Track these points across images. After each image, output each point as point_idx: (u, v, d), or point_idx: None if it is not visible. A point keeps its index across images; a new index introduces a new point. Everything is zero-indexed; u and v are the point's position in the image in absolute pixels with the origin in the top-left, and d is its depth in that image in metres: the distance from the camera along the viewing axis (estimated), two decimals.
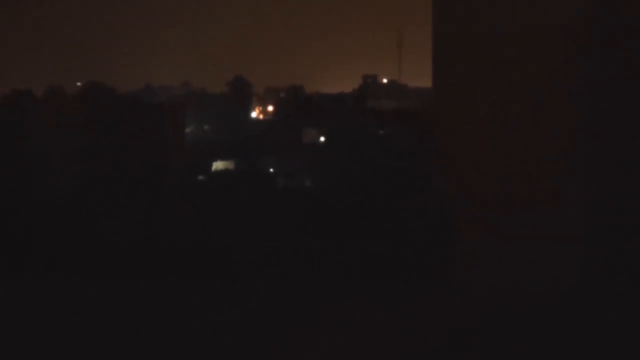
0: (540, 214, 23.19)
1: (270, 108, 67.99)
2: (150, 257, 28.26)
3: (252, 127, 61.05)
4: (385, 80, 76.86)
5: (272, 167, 48.92)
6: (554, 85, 22.73)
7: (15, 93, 51.43)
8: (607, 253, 22.42)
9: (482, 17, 23.76)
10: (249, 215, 31.25)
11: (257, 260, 26.82)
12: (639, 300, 16.04)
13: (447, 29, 24.66)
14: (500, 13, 23.30)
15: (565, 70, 22.84)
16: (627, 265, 21.81)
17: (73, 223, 33.71)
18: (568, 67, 22.75)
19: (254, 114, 67.45)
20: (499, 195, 23.74)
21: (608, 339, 12.38)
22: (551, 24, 22.76)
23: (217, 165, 49.67)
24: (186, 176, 46.39)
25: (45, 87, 52.44)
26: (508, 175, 23.97)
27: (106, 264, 28.01)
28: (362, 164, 43.26)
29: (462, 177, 24.83)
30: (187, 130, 55.96)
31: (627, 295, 19.08)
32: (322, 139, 50.62)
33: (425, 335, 12.13)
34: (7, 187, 39.83)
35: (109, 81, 53.00)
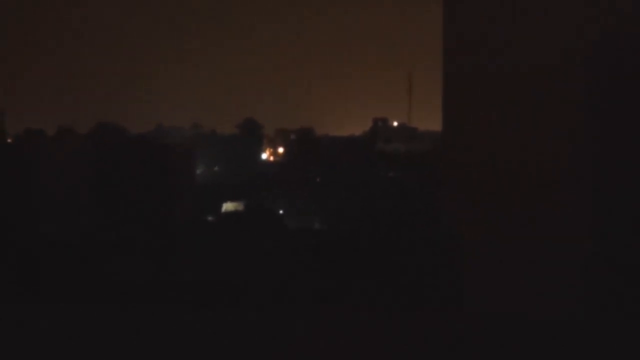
0: (549, 254, 23.16)
1: (280, 150, 68.15)
2: (158, 294, 28.29)
3: (262, 169, 61.19)
4: (395, 123, 77.05)
5: (282, 208, 48.97)
6: (564, 126, 22.80)
7: (27, 133, 51.72)
8: (612, 281, 22.29)
9: (491, 61, 23.88)
10: (258, 256, 31.25)
11: (263, 297, 26.83)
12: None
13: (457, 73, 24.80)
14: (510, 56, 23.42)
15: (577, 100, 22.89)
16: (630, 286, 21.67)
17: (83, 261, 33.75)
18: (580, 97, 22.80)
19: (264, 156, 67.61)
20: (508, 236, 23.74)
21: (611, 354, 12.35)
22: (558, 64, 22.83)
23: (227, 206, 49.71)
24: (196, 217, 46.41)
25: (57, 127, 52.71)
26: (517, 215, 23.97)
27: (114, 300, 28.02)
28: (372, 205, 43.27)
29: (471, 217, 24.81)
30: (198, 171, 56.10)
31: (630, 316, 18.91)
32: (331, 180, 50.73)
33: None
34: (18, 225, 39.92)
35: (120, 121, 53.24)
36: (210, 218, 47.48)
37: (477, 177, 24.38)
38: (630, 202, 22.27)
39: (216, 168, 60.68)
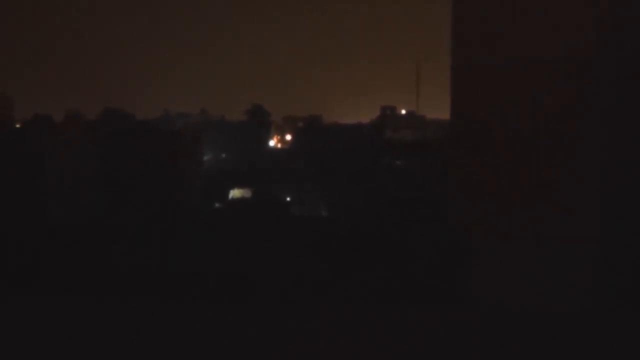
0: (556, 241, 23.11)
1: (288, 137, 68.12)
2: (164, 281, 28.32)
3: (269, 156, 61.17)
4: (403, 112, 77.07)
5: (289, 196, 48.98)
6: (570, 114, 22.74)
7: (35, 118, 51.81)
8: (620, 276, 22.23)
9: (498, 50, 23.83)
10: (264, 243, 31.27)
11: (270, 286, 26.84)
12: None
13: (464, 62, 24.76)
14: (517, 45, 23.37)
15: (579, 98, 22.83)
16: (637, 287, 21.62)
17: (89, 246, 33.80)
18: (582, 96, 22.75)
19: (271, 143, 67.59)
20: (516, 223, 23.71)
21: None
22: (565, 54, 22.75)
23: (234, 193, 49.72)
24: (203, 203, 46.44)
25: (65, 112, 52.83)
26: (525, 203, 23.93)
27: (121, 287, 28.05)
28: (379, 193, 43.26)
29: (479, 206, 24.78)
30: (205, 157, 56.10)
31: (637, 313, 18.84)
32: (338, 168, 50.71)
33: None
34: (25, 210, 40.02)
35: (128, 108, 53.31)
36: (217, 205, 47.51)
37: (482, 171, 24.36)
38: (637, 200, 22.22)
39: (224, 155, 60.67)
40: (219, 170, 54.36)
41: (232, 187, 50.42)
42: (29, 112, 54.53)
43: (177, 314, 12.52)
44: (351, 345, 11.32)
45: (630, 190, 22.38)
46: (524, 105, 23.55)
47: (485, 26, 23.62)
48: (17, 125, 56.59)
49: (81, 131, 47.59)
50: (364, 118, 68.11)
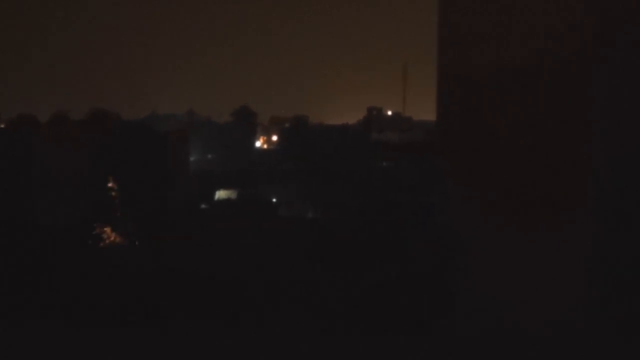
0: (544, 245, 23.07)
1: (274, 138, 68.05)
2: (151, 285, 28.23)
3: (256, 157, 61.12)
4: (390, 113, 77.11)
5: (275, 197, 48.92)
6: (556, 115, 22.73)
7: (20, 118, 51.63)
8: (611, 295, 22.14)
9: (485, 51, 23.82)
10: (250, 244, 31.21)
11: (256, 292, 26.80)
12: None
13: (451, 63, 24.73)
14: (504, 46, 23.36)
15: (566, 100, 22.82)
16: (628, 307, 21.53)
17: (76, 247, 33.68)
18: (569, 97, 22.74)
19: (258, 144, 67.54)
20: (504, 225, 23.66)
21: None
22: (551, 56, 22.72)
23: (220, 194, 49.63)
24: (189, 204, 46.33)
25: (51, 113, 52.68)
26: (512, 205, 23.89)
27: (108, 293, 27.94)
28: (365, 195, 43.25)
29: (466, 209, 24.73)
30: (192, 158, 56.01)
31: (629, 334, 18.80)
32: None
33: None
34: (11, 210, 39.86)
35: (115, 108, 53.20)
36: (203, 206, 47.41)
37: (471, 171, 24.32)
38: (632, 205, 22.14)
39: (210, 156, 60.61)
40: (205, 171, 54.31)
41: (218, 188, 50.34)
42: (13, 112, 54.38)
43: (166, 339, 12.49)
44: None
45: (627, 195, 22.32)
46: (512, 108, 23.53)
47: (471, 28, 23.60)
48: (1, 125, 56.38)
49: (67, 131, 47.44)
50: (351, 119, 68.17)
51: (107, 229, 35.68)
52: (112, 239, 35.93)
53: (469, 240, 23.30)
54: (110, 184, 42.50)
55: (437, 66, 24.82)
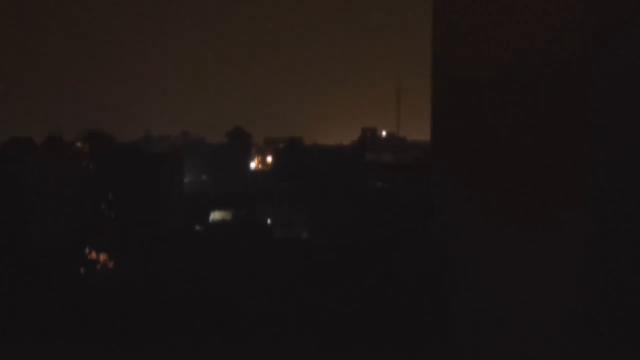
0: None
1: (269, 159, 67.97)
2: (146, 308, 28.12)
3: (251, 178, 61.02)
4: (384, 133, 77.13)
5: (270, 218, 48.78)
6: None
7: (14, 141, 51.40)
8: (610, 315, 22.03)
9: (480, 73, 23.77)
10: (245, 267, 31.08)
11: (250, 314, 26.71)
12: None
13: (446, 85, 24.67)
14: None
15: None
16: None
17: (70, 270, 33.57)
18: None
19: (253, 165, 67.44)
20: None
21: None
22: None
23: (215, 215, 49.49)
24: (184, 226, 46.17)
25: (45, 135, 52.47)
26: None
27: (101, 314, 27.82)
28: (360, 215, 43.17)
29: (461, 228, 24.63)
30: (186, 179, 55.86)
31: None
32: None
33: None
34: (4, 233, 39.71)
35: (109, 130, 53.02)
36: (198, 228, 47.23)
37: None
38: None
39: (205, 177, 60.50)
40: (199, 193, 54.18)
41: (213, 210, 50.19)
42: (6, 135, 54.19)
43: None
44: None
45: (626, 195, 22.20)
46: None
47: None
48: None
49: (62, 154, 47.30)
50: (345, 140, 68.15)
51: (102, 256, 35.55)
52: (104, 263, 35.78)
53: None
54: (103, 207, 42.38)
55: (432, 89, 24.77)
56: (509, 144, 23.12)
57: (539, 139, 22.81)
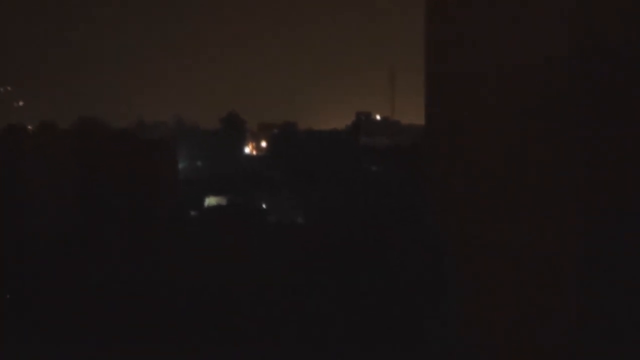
0: (538, 244, 23.00)
1: (263, 144, 67.93)
2: (140, 295, 28.11)
3: (245, 163, 60.97)
4: (378, 117, 77.09)
5: (265, 203, 48.82)
6: (553, 116, 22.68)
7: (8, 128, 51.40)
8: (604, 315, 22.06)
9: (473, 57, 23.78)
10: (240, 251, 31.11)
11: (247, 302, 26.72)
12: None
13: (439, 68, 24.68)
14: (491, 53, 23.33)
15: (554, 106, 22.75)
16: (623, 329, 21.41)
17: (65, 258, 33.54)
18: (557, 104, 22.67)
19: (247, 150, 67.38)
20: (492, 233, 23.62)
21: None
22: (540, 63, 22.66)
23: (210, 200, 49.53)
24: (179, 212, 46.21)
25: (38, 122, 52.42)
26: (500, 212, 23.86)
27: (98, 303, 27.82)
28: (355, 200, 43.21)
29: (455, 214, 24.67)
30: (180, 165, 55.83)
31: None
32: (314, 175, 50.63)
33: None
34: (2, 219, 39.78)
35: (102, 117, 52.93)
36: (193, 213, 47.29)
37: (466, 172, 24.29)
38: (625, 203, 22.09)
39: (199, 163, 60.48)
40: (194, 178, 54.18)
41: (208, 195, 50.24)
42: (1, 122, 54.11)
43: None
44: None
45: (620, 194, 22.23)
46: (498, 111, 23.49)
47: (459, 33, 23.58)
48: None
49: (55, 141, 47.27)
50: (339, 124, 68.05)
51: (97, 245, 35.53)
52: (99, 252, 35.75)
53: (463, 239, 23.27)
54: (96, 195, 42.39)
55: (425, 73, 24.76)
56: (503, 144, 23.16)
57: (533, 139, 22.88)
